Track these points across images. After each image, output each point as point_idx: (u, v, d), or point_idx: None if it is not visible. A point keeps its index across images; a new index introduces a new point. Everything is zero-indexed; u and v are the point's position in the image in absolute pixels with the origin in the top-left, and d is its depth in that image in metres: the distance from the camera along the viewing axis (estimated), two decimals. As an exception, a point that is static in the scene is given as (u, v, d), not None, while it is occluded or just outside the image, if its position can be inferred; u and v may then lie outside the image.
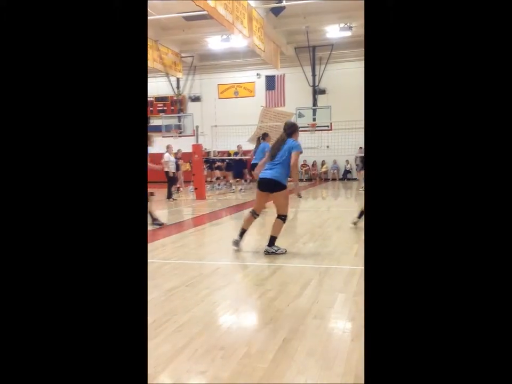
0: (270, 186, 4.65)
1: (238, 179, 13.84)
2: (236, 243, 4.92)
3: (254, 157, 8.62)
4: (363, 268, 3.95)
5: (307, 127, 17.00)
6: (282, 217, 4.69)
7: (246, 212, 4.95)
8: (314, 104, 17.86)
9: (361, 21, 15.30)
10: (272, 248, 4.66)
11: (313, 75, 17.87)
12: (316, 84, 18.03)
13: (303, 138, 17.85)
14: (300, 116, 17.28)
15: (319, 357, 2.25)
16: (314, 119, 17.13)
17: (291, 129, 4.86)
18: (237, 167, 13.79)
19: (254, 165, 8.34)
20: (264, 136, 8.88)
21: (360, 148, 14.76)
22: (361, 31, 16.04)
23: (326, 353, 2.29)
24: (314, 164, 19.05)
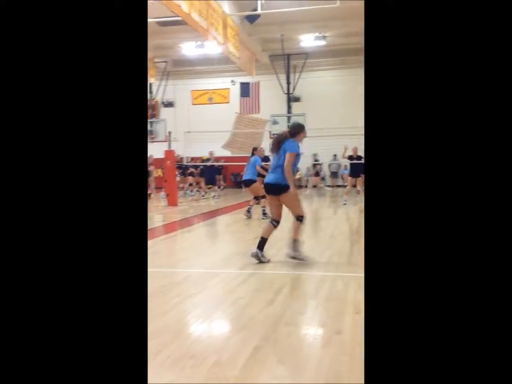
0: (273, 190, 4.53)
1: (210, 185, 13.76)
2: (257, 256, 4.45)
3: (246, 172, 8.54)
4: (334, 274, 4.00)
5: (281, 134, 17.10)
6: (299, 218, 4.54)
7: (266, 222, 4.65)
8: (289, 111, 18.00)
9: (336, 31, 15.58)
10: (295, 253, 4.51)
11: (288, 83, 18.02)
12: (291, 92, 18.19)
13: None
14: (275, 123, 17.37)
15: (289, 363, 2.25)
16: (288, 127, 17.24)
17: (294, 130, 4.69)
18: (209, 173, 13.71)
19: (247, 181, 8.31)
20: (254, 150, 8.84)
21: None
22: (336, 40, 16.32)
23: (296, 360, 2.29)
24: (288, 171, 19.15)
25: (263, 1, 11.95)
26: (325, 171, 18.49)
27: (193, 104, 19.52)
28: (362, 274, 4.42)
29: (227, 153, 15.03)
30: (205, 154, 15.60)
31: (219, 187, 15.39)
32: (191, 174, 14.68)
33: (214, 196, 13.60)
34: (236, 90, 19.07)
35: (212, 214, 9.63)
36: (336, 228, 7.13)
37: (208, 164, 13.74)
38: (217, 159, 14.52)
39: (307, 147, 17.14)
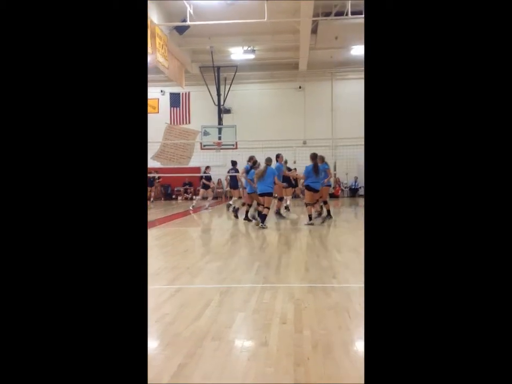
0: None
1: None
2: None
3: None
4: (262, 285, 4.02)
5: (212, 145, 17.11)
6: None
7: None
8: (220, 123, 18.06)
9: (265, 45, 15.93)
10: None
11: (218, 94, 18.11)
12: (221, 103, 18.28)
13: (208, 156, 17.90)
14: (206, 134, 17.35)
15: (215, 379, 2.21)
16: (219, 138, 17.31)
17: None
18: None
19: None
20: (278, 156, 9.97)
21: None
22: (265, 54, 16.69)
23: (221, 375, 2.26)
24: (219, 182, 19.18)
25: (191, 12, 11.94)
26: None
27: (122, 114, 19.00)
28: (290, 285, 4.46)
29: (158, 164, 14.74)
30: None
31: (149, 199, 14.97)
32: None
33: None
34: (165, 101, 18.82)
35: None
36: (266, 239, 7.22)
37: None
38: (149, 170, 14.15)
39: (238, 159, 17.34)
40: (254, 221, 8.97)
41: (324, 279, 4.29)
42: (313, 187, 8.53)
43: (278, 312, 3.24)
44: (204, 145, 17.19)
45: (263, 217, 8.40)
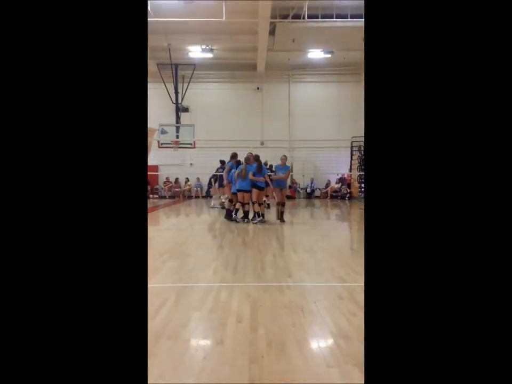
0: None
1: None
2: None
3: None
4: (219, 284, 4.03)
5: (170, 144, 16.91)
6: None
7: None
8: (178, 121, 17.88)
9: (223, 45, 15.91)
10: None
11: (176, 93, 17.91)
12: (179, 102, 18.09)
13: (166, 155, 17.59)
14: (163, 132, 17.13)
15: (169, 378, 2.21)
16: (177, 136, 17.14)
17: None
18: None
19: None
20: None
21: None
22: (224, 54, 16.68)
23: (176, 374, 2.27)
24: (177, 181, 18.98)
25: (149, 8, 11.76)
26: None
27: (75, 110, 18.39)
28: (246, 284, 4.49)
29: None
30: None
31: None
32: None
33: None
34: (122, 98, 18.40)
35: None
36: (224, 239, 7.23)
37: None
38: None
39: (196, 158, 17.25)
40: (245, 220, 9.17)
41: (279, 278, 4.36)
42: (259, 185, 9.08)
43: (234, 311, 3.27)
44: (162, 144, 16.97)
45: (246, 214, 9.12)
